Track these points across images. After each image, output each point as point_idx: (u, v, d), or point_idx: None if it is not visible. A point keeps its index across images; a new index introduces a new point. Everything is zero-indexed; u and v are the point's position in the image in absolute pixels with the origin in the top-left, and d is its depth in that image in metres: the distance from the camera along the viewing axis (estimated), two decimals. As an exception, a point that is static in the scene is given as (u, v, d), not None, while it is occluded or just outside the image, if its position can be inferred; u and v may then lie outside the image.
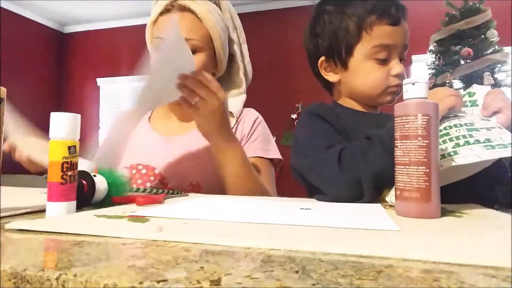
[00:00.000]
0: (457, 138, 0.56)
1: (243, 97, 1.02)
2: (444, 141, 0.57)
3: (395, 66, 0.75)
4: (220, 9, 0.98)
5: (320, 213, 0.49)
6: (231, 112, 0.98)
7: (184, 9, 0.90)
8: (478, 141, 0.54)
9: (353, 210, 0.52)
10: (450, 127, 0.59)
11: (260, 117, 1.02)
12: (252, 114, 1.02)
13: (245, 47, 1.03)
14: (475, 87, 0.66)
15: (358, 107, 0.81)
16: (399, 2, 0.76)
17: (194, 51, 0.89)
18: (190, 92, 0.73)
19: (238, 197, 0.75)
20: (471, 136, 0.56)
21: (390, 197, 0.56)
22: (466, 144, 0.54)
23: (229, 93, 1.01)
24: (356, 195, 0.61)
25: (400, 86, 0.76)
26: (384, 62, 0.75)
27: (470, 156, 0.52)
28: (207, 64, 0.93)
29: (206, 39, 0.92)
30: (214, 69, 0.97)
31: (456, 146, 0.55)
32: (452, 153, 0.54)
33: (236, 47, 1.01)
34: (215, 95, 0.73)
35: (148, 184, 0.90)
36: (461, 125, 0.59)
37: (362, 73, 0.77)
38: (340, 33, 0.77)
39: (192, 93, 0.73)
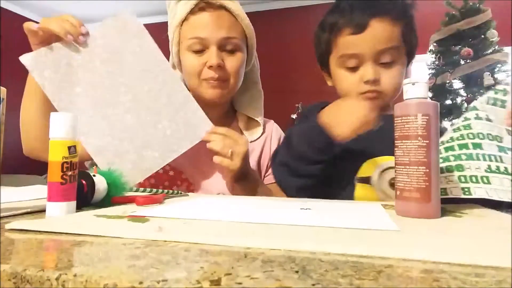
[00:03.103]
0: (490, 157, 0.55)
1: (262, 95, 1.00)
2: (477, 156, 0.55)
3: (365, 73, 0.74)
4: None
5: (319, 213, 0.49)
6: (257, 121, 0.96)
7: (219, 7, 0.85)
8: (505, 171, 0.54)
9: (353, 210, 0.52)
10: (483, 136, 0.57)
11: (282, 133, 1.00)
12: (276, 130, 1.00)
13: (255, 45, 1.00)
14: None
15: None
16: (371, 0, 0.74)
17: (234, 51, 0.86)
18: (221, 147, 0.78)
19: (238, 197, 0.75)
20: (501, 159, 0.55)
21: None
22: (497, 172, 0.54)
23: (249, 91, 0.99)
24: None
25: (376, 92, 0.75)
26: (354, 69, 0.76)
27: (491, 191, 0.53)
28: (244, 63, 0.90)
29: (243, 37, 0.88)
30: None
31: (488, 170, 0.54)
32: (485, 179, 0.54)
33: None
34: (240, 140, 0.80)
35: (174, 188, 0.87)
36: (492, 139, 0.57)
37: (338, 81, 0.79)
38: (320, 45, 0.81)
39: (224, 148, 0.78)
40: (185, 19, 0.86)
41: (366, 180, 0.71)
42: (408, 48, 0.78)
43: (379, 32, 0.73)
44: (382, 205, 0.58)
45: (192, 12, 0.85)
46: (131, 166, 0.80)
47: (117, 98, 0.81)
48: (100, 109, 0.80)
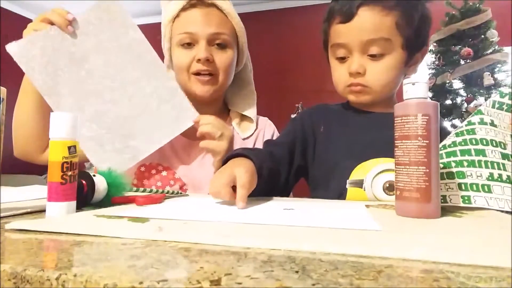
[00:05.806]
0: (492, 164, 0.55)
1: (255, 95, 1.00)
2: (479, 162, 0.55)
3: (351, 64, 0.72)
4: None
5: (306, 213, 0.49)
6: (249, 117, 0.97)
7: (209, 4, 0.87)
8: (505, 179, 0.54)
9: (336, 210, 0.52)
10: (487, 142, 0.56)
11: (276, 130, 1.01)
12: (269, 125, 1.01)
13: (246, 44, 1.01)
14: None
15: (370, 106, 0.78)
16: None
17: (225, 46, 0.88)
18: (211, 128, 0.80)
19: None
20: (504, 167, 0.55)
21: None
22: (499, 180, 0.54)
23: (242, 91, 0.99)
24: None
25: (361, 85, 0.73)
26: (343, 60, 0.74)
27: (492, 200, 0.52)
28: (234, 61, 0.91)
29: (233, 34, 0.90)
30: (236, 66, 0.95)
31: (490, 178, 0.54)
32: (486, 188, 0.53)
33: None
34: (226, 126, 0.83)
35: (167, 188, 0.87)
36: (495, 145, 0.56)
37: (332, 71, 0.78)
38: (322, 33, 0.80)
39: (213, 128, 0.80)
40: (177, 15, 0.88)
41: (358, 184, 0.70)
42: (405, 41, 0.71)
43: (366, 21, 0.69)
44: (382, 205, 0.58)
45: (183, 9, 0.87)
46: (115, 155, 0.79)
47: (102, 87, 0.80)
48: (85, 97, 0.79)
